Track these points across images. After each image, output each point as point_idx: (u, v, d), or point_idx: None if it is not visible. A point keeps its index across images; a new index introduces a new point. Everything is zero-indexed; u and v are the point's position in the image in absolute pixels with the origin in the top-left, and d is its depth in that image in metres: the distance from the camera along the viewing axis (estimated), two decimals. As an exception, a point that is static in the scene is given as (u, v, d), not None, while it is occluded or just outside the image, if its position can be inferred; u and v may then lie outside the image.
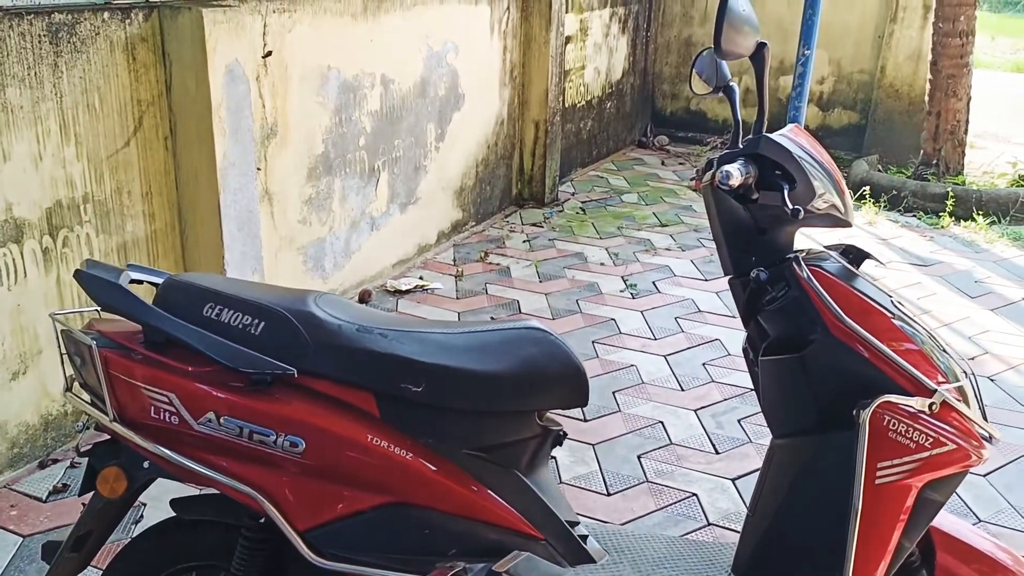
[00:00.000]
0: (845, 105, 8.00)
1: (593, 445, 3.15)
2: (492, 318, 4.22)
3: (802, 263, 1.66)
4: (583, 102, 7.04)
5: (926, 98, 6.74)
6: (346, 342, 1.64)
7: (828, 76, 7.99)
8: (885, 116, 7.64)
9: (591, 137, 7.36)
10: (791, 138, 1.69)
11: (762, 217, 1.67)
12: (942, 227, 5.98)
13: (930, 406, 1.58)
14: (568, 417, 3.32)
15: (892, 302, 1.67)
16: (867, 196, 6.38)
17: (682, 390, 3.58)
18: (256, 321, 1.65)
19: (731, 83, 1.90)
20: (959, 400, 1.62)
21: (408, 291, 4.52)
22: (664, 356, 3.88)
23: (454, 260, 5.07)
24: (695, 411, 3.41)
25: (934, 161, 6.67)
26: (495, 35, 5.49)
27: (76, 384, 1.75)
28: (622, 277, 4.84)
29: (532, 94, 5.99)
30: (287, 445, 1.59)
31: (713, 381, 3.64)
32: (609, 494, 2.87)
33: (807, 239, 4.78)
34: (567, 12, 6.33)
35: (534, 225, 5.79)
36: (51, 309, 2.80)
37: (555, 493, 1.85)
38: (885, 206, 6.33)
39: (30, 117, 2.68)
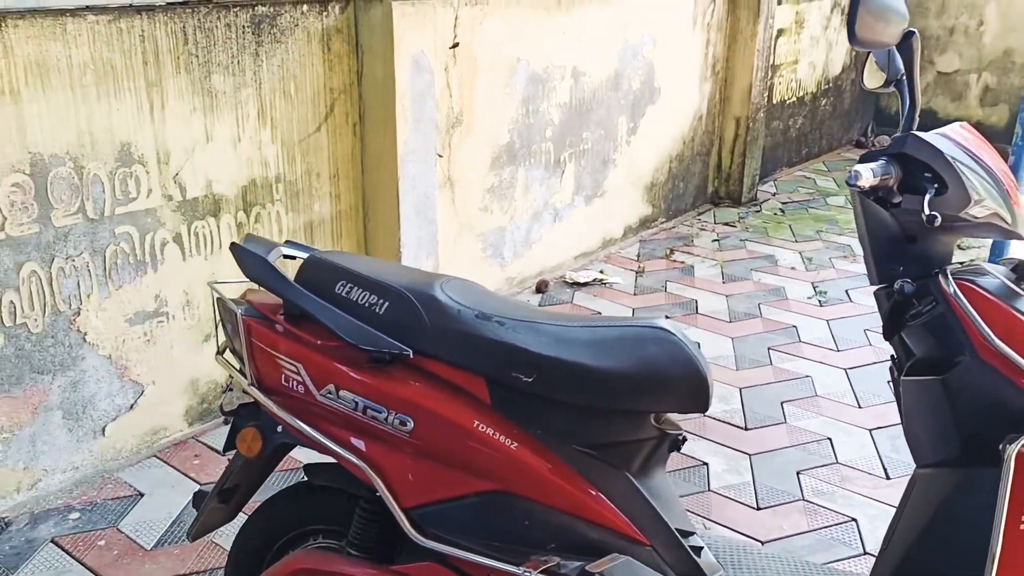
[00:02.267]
0: (1104, 106, 7.08)
1: (750, 455, 3.01)
2: (667, 316, 4.13)
3: (949, 276, 1.49)
4: (794, 98, 6.71)
5: None
6: (463, 327, 1.66)
7: (1084, 73, 7.13)
8: None
9: (801, 135, 7.00)
10: (950, 137, 1.52)
11: (908, 223, 1.52)
12: None
13: (1093, 448, 1.38)
14: (728, 424, 3.20)
15: (1061, 327, 1.47)
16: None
17: (859, 407, 3.34)
18: (381, 301, 1.71)
19: (902, 77, 1.73)
20: None
21: (586, 284, 4.52)
22: (844, 369, 3.63)
23: (638, 255, 5.00)
24: (870, 431, 3.17)
25: None
26: (697, 28, 5.35)
27: (228, 350, 1.90)
28: (812, 283, 4.58)
29: (735, 89, 5.78)
30: (397, 423, 1.64)
31: (895, 401, 3.35)
32: (759, 508, 2.73)
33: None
34: (781, 3, 6.05)
35: (727, 224, 5.60)
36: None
37: (669, 499, 1.78)
38: None
39: (231, 102, 2.92)
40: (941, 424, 1.53)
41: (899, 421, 3.14)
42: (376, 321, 1.69)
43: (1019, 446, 1.39)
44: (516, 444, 1.64)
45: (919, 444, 1.63)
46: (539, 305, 4.27)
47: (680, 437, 1.77)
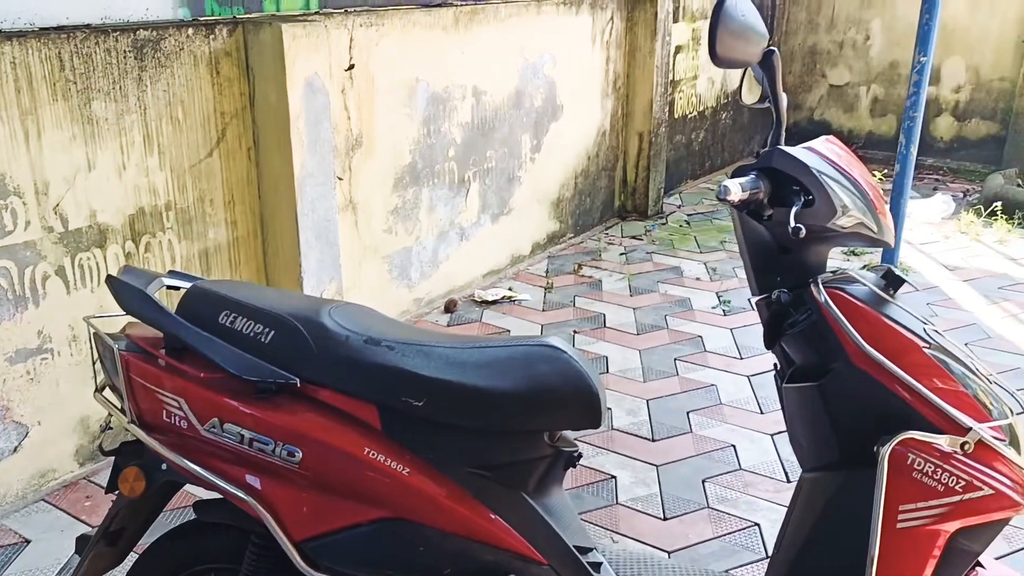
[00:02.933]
0: (983, 115, 7.48)
1: (657, 466, 3.04)
2: (575, 332, 4.16)
3: (820, 285, 1.54)
4: (695, 113, 6.87)
5: (1071, 107, 6.20)
6: (351, 353, 1.64)
7: (965, 84, 7.51)
8: (1028, 127, 7.09)
9: (703, 149, 7.18)
10: (817, 151, 1.57)
11: (780, 235, 1.56)
12: (1083, 247, 5.49)
13: (962, 446, 1.43)
14: (636, 436, 3.23)
15: (927, 331, 1.53)
16: (999, 213, 5.93)
17: (761, 413, 3.41)
18: (267, 330, 1.66)
19: (782, 93, 1.78)
20: (1003, 441, 1.46)
21: (495, 302, 4.52)
22: (748, 377, 3.71)
23: (546, 272, 5.03)
24: (772, 436, 3.24)
25: (1079, 175, 6.13)
26: (597, 45, 5.43)
27: (107, 387, 1.82)
28: (716, 293, 4.68)
29: (636, 105, 5.89)
30: (285, 454, 1.60)
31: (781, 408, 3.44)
32: (665, 518, 2.76)
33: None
34: (678, 21, 6.20)
35: (634, 238, 5.68)
36: (132, 311, 2.94)
37: (566, 516, 1.78)
38: (1020, 223, 5.87)
39: (115, 129, 2.83)
40: (821, 429, 1.57)
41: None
42: (262, 351, 1.64)
43: (892, 447, 1.43)
44: (408, 470, 1.62)
45: (802, 449, 1.67)
46: (448, 325, 4.25)
47: (575, 453, 1.78)
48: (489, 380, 1.63)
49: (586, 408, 1.67)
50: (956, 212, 6.22)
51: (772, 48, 1.55)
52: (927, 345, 1.50)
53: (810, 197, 1.50)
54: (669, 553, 2.59)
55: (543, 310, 4.46)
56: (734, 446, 3.18)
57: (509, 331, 4.17)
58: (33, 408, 2.76)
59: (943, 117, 7.64)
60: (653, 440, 3.22)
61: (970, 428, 1.43)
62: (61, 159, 2.69)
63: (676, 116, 6.54)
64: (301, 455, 1.60)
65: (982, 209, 6.06)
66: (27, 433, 2.76)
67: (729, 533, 2.69)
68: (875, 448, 1.46)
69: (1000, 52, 7.28)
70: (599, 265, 5.15)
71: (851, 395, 1.51)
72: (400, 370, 1.62)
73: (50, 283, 2.73)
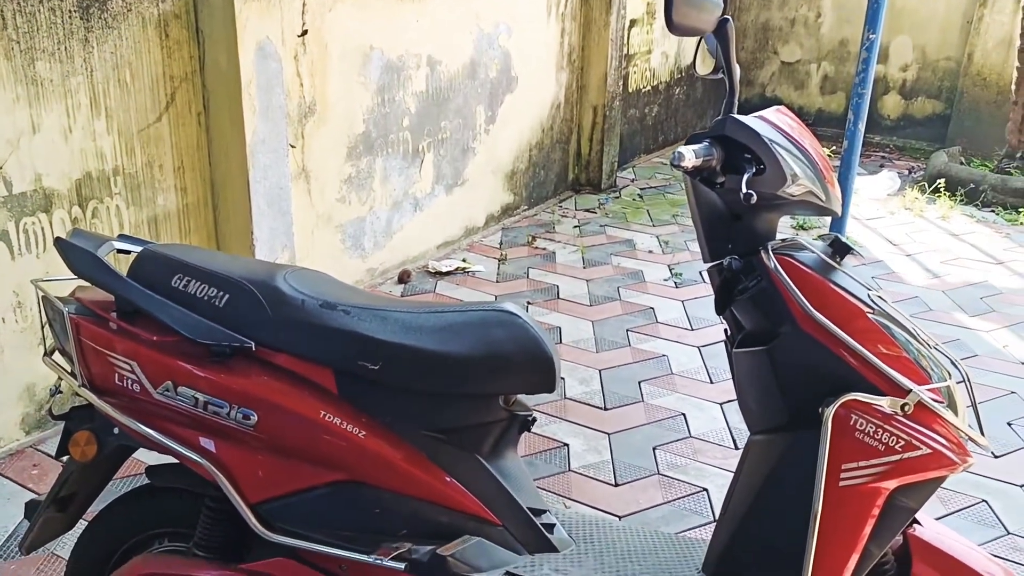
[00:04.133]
0: (929, 94, 7.65)
1: (609, 435, 3.09)
2: (528, 303, 4.19)
3: (770, 252, 1.57)
4: (648, 87, 6.91)
5: (1013, 87, 6.37)
6: (307, 317, 1.64)
7: (912, 63, 7.66)
8: (971, 106, 7.27)
9: (657, 123, 7.22)
10: (768, 120, 1.60)
11: (732, 202, 1.59)
12: (1021, 223, 5.66)
13: (903, 407, 1.48)
14: (588, 405, 3.28)
15: (871, 296, 1.58)
16: (943, 189, 6.08)
17: (711, 383, 3.48)
18: (221, 293, 1.66)
19: (735, 64, 1.81)
20: (941, 403, 1.52)
21: (448, 273, 4.52)
22: (698, 347, 3.78)
23: (500, 243, 5.05)
24: (721, 405, 3.31)
25: (1018, 154, 6.31)
26: (552, 17, 5.42)
27: (57, 351, 1.80)
28: (668, 266, 4.74)
29: (591, 78, 5.90)
30: (240, 417, 1.60)
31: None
32: (617, 485, 2.81)
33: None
34: (632, -6, 6.21)
35: (587, 211, 5.72)
36: (80, 278, 2.89)
37: (520, 479, 1.81)
38: (962, 200, 6.03)
39: (60, 91, 2.76)
40: (769, 392, 1.61)
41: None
42: (216, 314, 1.64)
43: (836, 408, 1.48)
44: (364, 433, 1.63)
45: (751, 413, 1.71)
46: (402, 295, 4.24)
47: (530, 417, 1.80)
48: (445, 344, 1.64)
49: (540, 372, 1.69)
50: (901, 189, 6.36)
51: (726, 17, 1.57)
52: (871, 311, 1.55)
53: (761, 166, 1.53)
54: (620, 517, 2.64)
55: (497, 281, 4.48)
56: (684, 414, 3.24)
57: (463, 301, 4.18)
58: (-23, 376, 2.71)
59: (890, 95, 7.79)
60: (605, 409, 3.27)
61: (910, 390, 1.48)
62: (4, 120, 2.62)
63: (630, 90, 6.57)
64: (256, 418, 1.60)
65: (926, 186, 6.21)
66: (-29, 401, 2.71)
67: (679, 498, 2.75)
68: (820, 409, 1.50)
69: (946, 32, 7.43)
70: (553, 237, 5.17)
71: (798, 358, 1.55)
72: (356, 334, 1.62)
73: (-6, 248, 2.67)
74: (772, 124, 1.59)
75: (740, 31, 8.31)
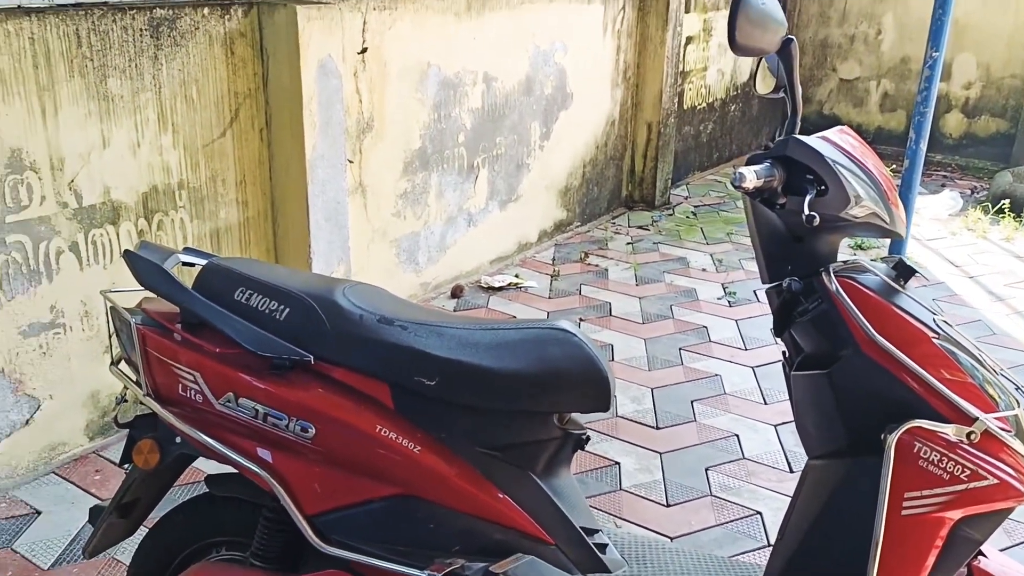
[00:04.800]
0: (993, 112, 7.47)
1: (661, 454, 3.07)
2: (580, 320, 4.18)
3: (832, 274, 1.55)
4: (704, 104, 6.87)
5: (1082, 106, 6.19)
6: (365, 332, 1.65)
7: (975, 81, 7.49)
8: (1037, 125, 7.09)
9: (711, 140, 7.18)
10: (831, 140, 1.58)
11: (793, 223, 1.57)
12: (1090, 246, 5.49)
13: (968, 435, 1.45)
14: (640, 424, 3.25)
15: (936, 321, 1.54)
16: (1007, 210, 5.93)
17: (765, 404, 3.43)
18: (281, 307, 1.68)
19: (797, 83, 1.80)
20: (1009, 431, 1.48)
21: (501, 288, 4.54)
22: (752, 368, 3.73)
23: (553, 259, 5.05)
24: (775, 426, 3.26)
25: (1087, 174, 6.12)
26: (608, 34, 5.43)
27: (123, 360, 1.84)
28: (722, 284, 4.69)
29: (646, 95, 5.89)
30: (298, 430, 1.62)
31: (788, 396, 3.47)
32: (668, 505, 2.78)
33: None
34: (688, 12, 6.19)
35: (641, 228, 5.69)
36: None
37: (573, 498, 1.80)
38: (1027, 221, 5.87)
39: (130, 106, 2.85)
40: (828, 417, 1.59)
41: (801, 416, 3.24)
42: (276, 327, 1.66)
43: (899, 435, 1.45)
44: (419, 448, 1.64)
45: (809, 437, 1.68)
46: (454, 310, 4.27)
47: (584, 436, 1.80)
48: (501, 361, 1.65)
49: (596, 391, 1.69)
50: (963, 209, 6.22)
51: (790, 37, 1.56)
52: (936, 336, 1.51)
53: (824, 187, 1.52)
54: (671, 538, 2.61)
55: (549, 297, 4.48)
56: (737, 435, 3.20)
57: (515, 317, 4.19)
58: (45, 382, 2.79)
59: (953, 113, 7.63)
60: (657, 428, 3.24)
61: (977, 418, 1.44)
62: (76, 135, 2.71)
63: (685, 107, 6.54)
64: (315, 431, 1.62)
65: (989, 206, 6.06)
66: (39, 407, 2.78)
67: (731, 521, 2.71)
68: (882, 436, 1.47)
69: (1012, 49, 7.26)
70: (605, 254, 5.16)
71: (859, 383, 1.53)
72: (413, 349, 1.64)
73: (64, 258, 2.76)
74: (835, 144, 1.58)
75: (798, 48, 8.22)
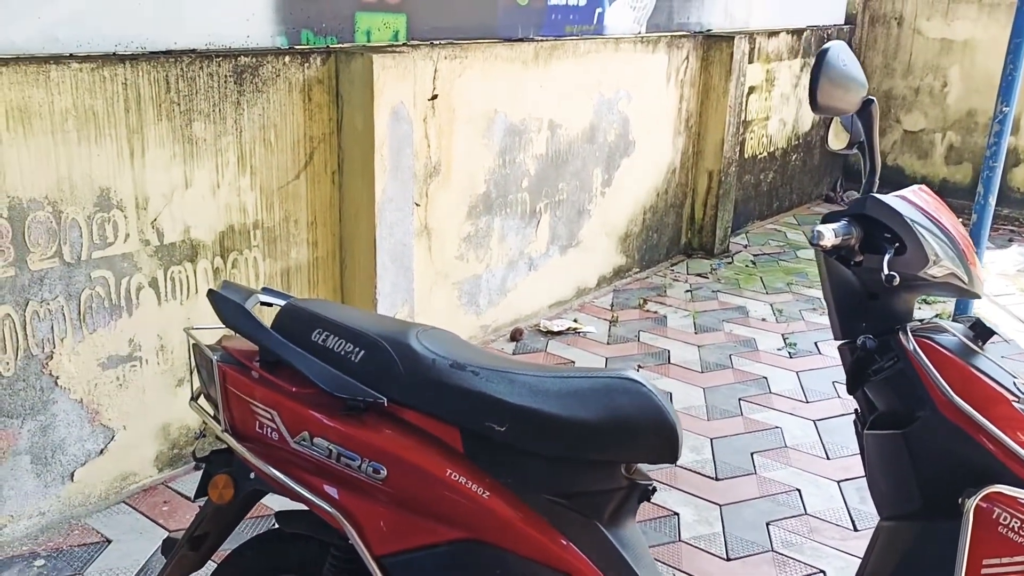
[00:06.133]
0: (1062, 166, 7.32)
1: (720, 506, 3.03)
2: (639, 367, 4.17)
3: (909, 333, 1.55)
4: (765, 153, 6.86)
5: None
6: (437, 376, 1.69)
7: (1045, 134, 7.35)
8: (1109, 180, 6.92)
9: (772, 189, 7.15)
10: (909, 199, 1.59)
11: (869, 281, 1.58)
12: None
13: (1050, 502, 1.42)
14: (699, 474, 3.23)
15: (1016, 384, 1.53)
16: (1076, 267, 5.79)
17: (827, 458, 3.38)
18: (357, 349, 1.73)
19: (864, 140, 1.81)
20: (1089, 499, 1.45)
21: (560, 332, 4.56)
22: (813, 421, 3.68)
23: (611, 305, 5.06)
24: (838, 482, 3.21)
25: None
26: (671, 83, 5.48)
27: (203, 396, 1.90)
28: (782, 335, 4.65)
29: (707, 143, 5.91)
30: (370, 471, 1.65)
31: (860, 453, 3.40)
32: (728, 559, 2.75)
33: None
34: (752, 62, 6.22)
35: (699, 275, 5.68)
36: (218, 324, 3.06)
37: (638, 549, 1.80)
38: (1100, 279, 5.71)
39: (212, 149, 2.96)
40: (903, 477, 1.57)
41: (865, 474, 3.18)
42: (351, 369, 1.71)
43: (977, 500, 1.43)
44: (488, 493, 1.66)
45: (882, 496, 1.66)
46: (513, 354, 4.29)
47: (650, 487, 1.80)
48: (570, 409, 1.66)
49: (664, 442, 1.69)
50: (1032, 265, 6.08)
51: (871, 98, 1.57)
52: (1016, 399, 1.50)
53: (900, 245, 1.52)
54: (732, 594, 2.58)
55: (608, 343, 4.48)
56: (799, 490, 3.15)
57: (574, 362, 4.20)
58: (120, 413, 2.87)
59: (1021, 168, 7.49)
60: (717, 479, 3.21)
61: (1057, 484, 1.42)
62: (161, 176, 2.83)
63: (746, 156, 6.53)
64: (386, 472, 1.65)
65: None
66: (113, 437, 2.87)
67: (793, 578, 2.67)
68: (960, 500, 1.45)
69: (1083, 103, 7.11)
70: (664, 301, 5.15)
71: (936, 445, 1.51)
72: (484, 395, 1.66)
73: (143, 294, 2.86)
74: (912, 203, 1.58)
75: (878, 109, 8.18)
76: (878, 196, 1.57)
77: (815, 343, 4.53)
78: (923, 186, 1.69)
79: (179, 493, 2.97)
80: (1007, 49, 4.38)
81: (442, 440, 1.68)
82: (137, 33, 2.74)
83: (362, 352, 1.72)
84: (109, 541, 2.71)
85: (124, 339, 2.84)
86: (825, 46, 1.53)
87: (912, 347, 1.53)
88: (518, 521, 1.66)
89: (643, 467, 1.84)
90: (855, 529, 2.92)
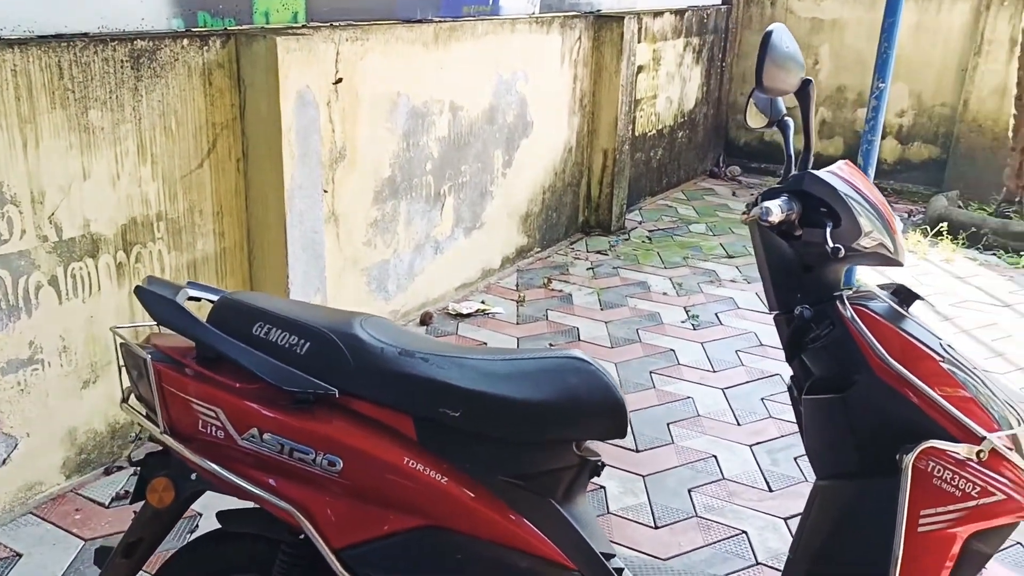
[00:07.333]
0: (925, 139, 7.80)
1: (644, 477, 3.12)
2: (551, 344, 4.23)
3: (846, 301, 1.63)
4: (654, 131, 7.03)
5: (1010, 134, 6.53)
6: (387, 365, 1.67)
7: (908, 109, 7.82)
8: (967, 151, 7.43)
9: (661, 166, 7.34)
10: (839, 175, 1.67)
11: (807, 254, 1.65)
12: (1023, 267, 5.77)
13: (978, 454, 1.53)
14: (619, 447, 3.31)
15: (941, 345, 1.63)
16: (945, 233, 6.20)
17: (738, 424, 3.52)
18: (302, 341, 1.69)
19: (786, 118, 1.90)
20: (1011, 449, 1.57)
21: (469, 315, 4.56)
22: (722, 389, 3.82)
23: (517, 285, 5.10)
24: (750, 447, 3.35)
25: (1017, 199, 6.45)
26: (566, 64, 5.54)
27: (133, 396, 1.82)
28: (684, 308, 4.80)
29: (601, 122, 6.01)
30: (325, 464, 1.63)
31: (771, 417, 3.57)
32: (657, 527, 2.84)
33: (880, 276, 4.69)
34: (640, 42, 6.34)
35: (599, 253, 5.78)
36: (122, 322, 2.92)
37: (591, 524, 1.84)
38: (963, 243, 6.14)
39: (110, 138, 2.81)
40: (841, 438, 1.66)
41: (776, 436, 3.33)
42: (298, 362, 1.67)
43: (914, 456, 1.52)
44: (445, 479, 1.66)
45: (819, 458, 1.75)
46: (424, 337, 4.27)
47: (599, 463, 1.84)
48: (522, 391, 1.68)
49: (614, 418, 1.74)
50: (904, 232, 6.46)
51: (808, 78, 1.64)
52: (942, 358, 1.60)
53: (836, 218, 1.60)
54: (664, 559, 2.66)
55: (517, 323, 4.52)
56: (715, 456, 3.28)
57: (486, 343, 4.22)
58: (22, 420, 2.71)
59: (888, 140, 7.94)
60: (637, 451, 3.30)
61: (984, 437, 1.53)
62: (57, 168, 2.67)
63: (637, 134, 6.68)
64: (342, 464, 1.63)
65: (928, 229, 6.32)
66: (16, 445, 2.71)
67: (719, 541, 2.78)
68: (897, 456, 1.55)
69: (942, 79, 7.60)
70: (568, 279, 5.23)
71: (873, 406, 1.60)
72: (436, 381, 1.66)
73: (43, 293, 2.70)
74: (843, 179, 1.66)
75: (739, 76, 8.49)
76: (815, 172, 1.64)
77: (716, 314, 4.70)
78: (848, 161, 1.78)
79: (91, 500, 2.83)
80: (881, 28, 4.63)
81: (396, 429, 1.66)
82: (23, 16, 2.56)
83: (308, 344, 1.69)
84: (20, 555, 2.56)
85: (24, 341, 2.68)
86: (769, 28, 1.59)
87: (849, 314, 1.62)
88: (477, 504, 1.67)
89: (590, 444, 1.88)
90: (770, 490, 3.06)
